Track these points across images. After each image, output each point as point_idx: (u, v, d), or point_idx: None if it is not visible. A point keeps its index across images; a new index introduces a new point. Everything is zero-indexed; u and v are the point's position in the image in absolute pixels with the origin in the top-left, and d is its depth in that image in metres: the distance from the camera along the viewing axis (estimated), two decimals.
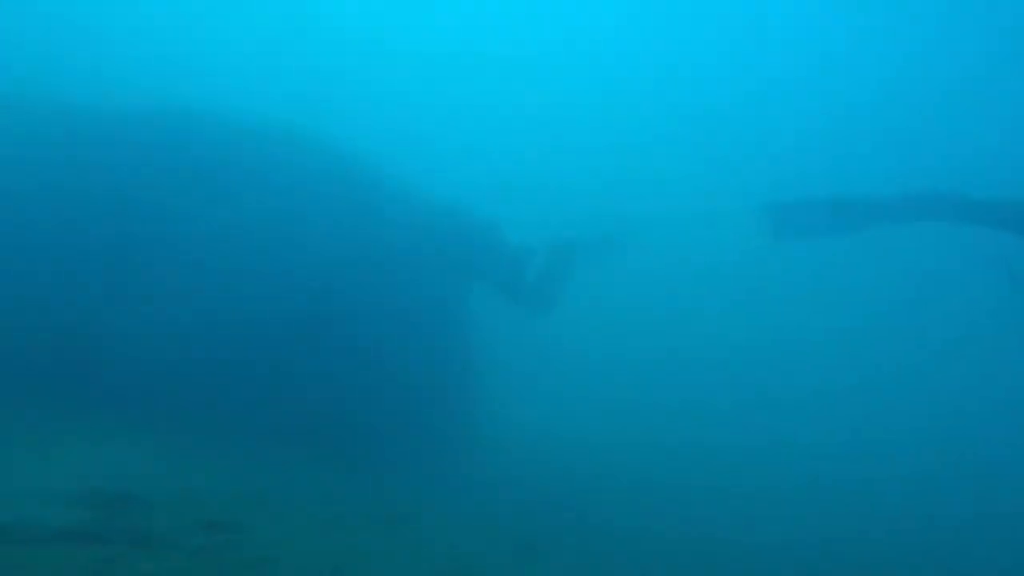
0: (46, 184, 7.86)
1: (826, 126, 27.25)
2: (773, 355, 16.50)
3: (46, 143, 8.14)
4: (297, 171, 9.42)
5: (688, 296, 18.33)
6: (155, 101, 9.57)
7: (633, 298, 17.03)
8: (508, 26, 32.08)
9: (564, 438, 10.56)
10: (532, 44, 31.31)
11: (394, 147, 13.90)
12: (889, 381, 16.06)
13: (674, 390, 13.49)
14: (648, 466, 10.06)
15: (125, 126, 8.95)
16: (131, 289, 7.45)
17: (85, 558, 3.40)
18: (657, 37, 32.58)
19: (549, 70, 30.13)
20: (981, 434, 13.43)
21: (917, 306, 19.47)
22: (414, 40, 29.31)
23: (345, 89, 22.44)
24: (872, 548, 9.00)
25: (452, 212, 10.31)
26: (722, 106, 29.53)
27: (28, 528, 3.71)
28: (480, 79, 28.66)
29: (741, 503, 9.49)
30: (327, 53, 25.18)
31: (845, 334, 18.14)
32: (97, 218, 7.75)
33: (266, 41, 24.66)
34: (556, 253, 10.86)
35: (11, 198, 7.85)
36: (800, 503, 9.93)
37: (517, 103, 28.04)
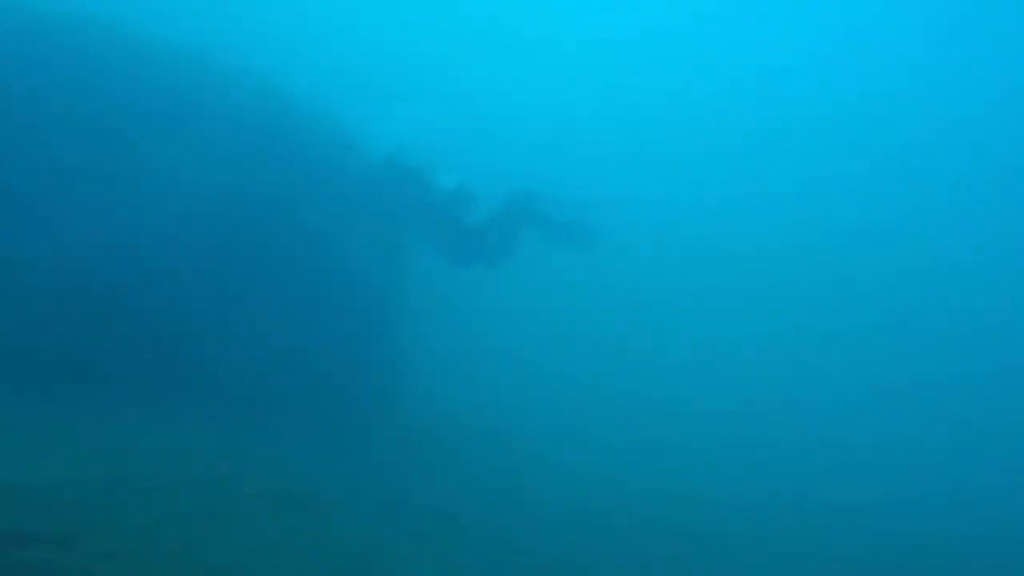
0: None
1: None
2: (744, 343, 16.01)
3: None
4: (203, 97, 8.16)
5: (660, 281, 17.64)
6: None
7: (592, 275, 16.22)
8: None
9: (491, 417, 9.76)
10: None
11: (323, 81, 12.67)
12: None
13: (621, 378, 12.84)
14: (580, 452, 9.41)
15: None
16: None
17: None
18: None
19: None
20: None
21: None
22: None
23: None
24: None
25: (386, 156, 9.23)
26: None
27: None
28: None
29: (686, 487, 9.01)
30: None
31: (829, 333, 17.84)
32: None
33: None
34: (508, 202, 9.65)
35: None
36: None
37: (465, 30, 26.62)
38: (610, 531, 7.45)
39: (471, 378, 10.78)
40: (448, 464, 7.99)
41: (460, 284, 10.00)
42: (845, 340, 17.94)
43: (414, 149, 9.51)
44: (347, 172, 8.92)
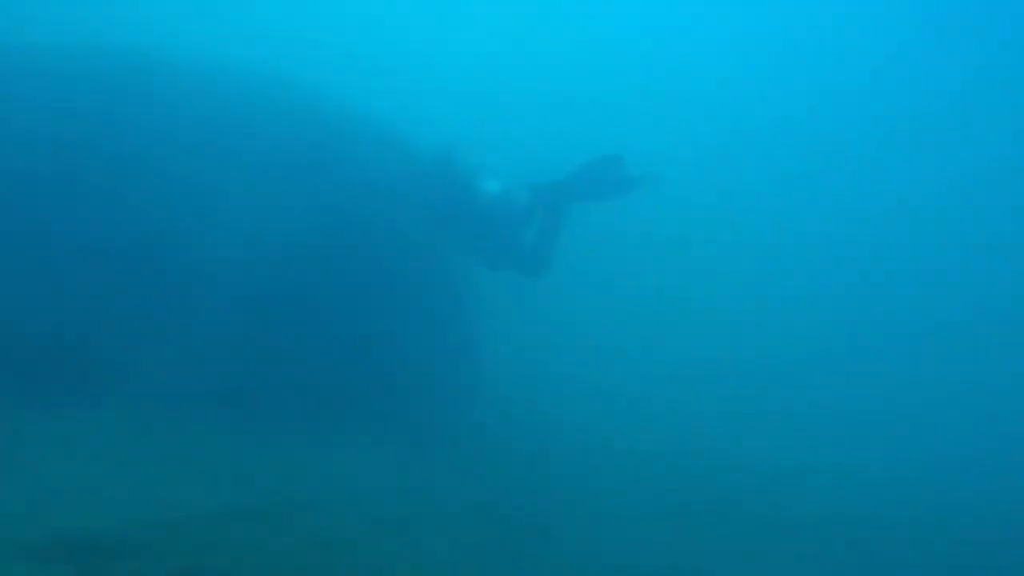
0: None
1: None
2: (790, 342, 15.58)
3: None
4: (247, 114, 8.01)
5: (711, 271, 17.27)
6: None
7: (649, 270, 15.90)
8: None
9: (568, 424, 9.55)
10: None
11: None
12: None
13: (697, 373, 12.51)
14: (661, 451, 9.19)
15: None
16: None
17: None
18: None
19: None
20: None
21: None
22: None
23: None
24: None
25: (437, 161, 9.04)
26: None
27: None
28: None
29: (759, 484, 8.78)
30: None
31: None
32: None
33: None
34: (544, 203, 9.35)
35: None
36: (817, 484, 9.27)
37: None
38: (701, 524, 7.30)
39: (542, 376, 10.64)
40: (530, 468, 7.87)
41: (516, 283, 9.79)
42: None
43: (458, 151, 9.29)
44: (400, 177, 8.78)
